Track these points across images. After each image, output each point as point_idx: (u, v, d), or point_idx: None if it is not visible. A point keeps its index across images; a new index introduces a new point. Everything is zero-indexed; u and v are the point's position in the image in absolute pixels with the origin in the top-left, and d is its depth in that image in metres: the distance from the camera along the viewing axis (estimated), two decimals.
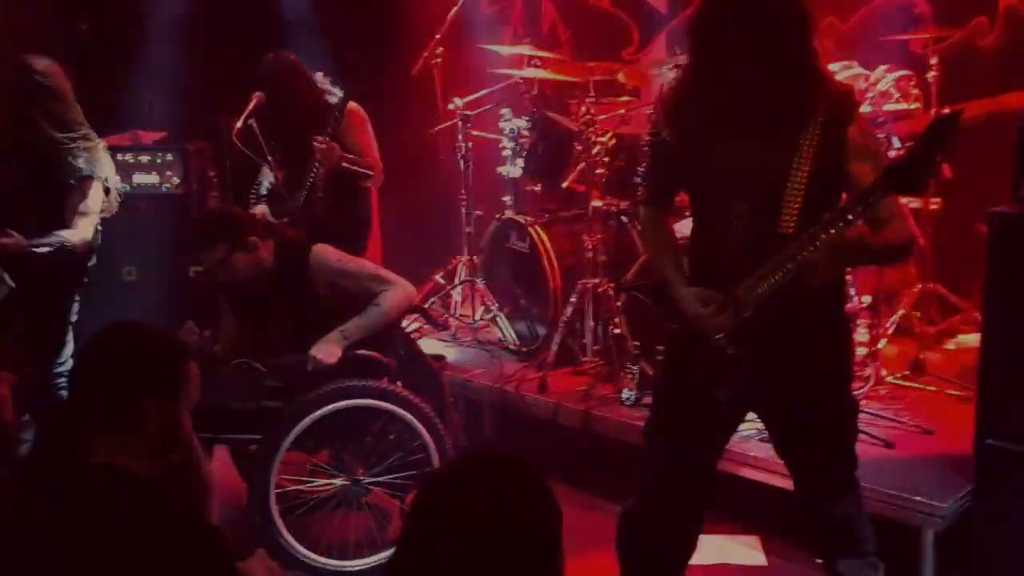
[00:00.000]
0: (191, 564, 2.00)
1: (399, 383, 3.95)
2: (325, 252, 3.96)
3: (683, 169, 2.83)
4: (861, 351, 4.48)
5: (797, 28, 2.58)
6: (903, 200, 2.76)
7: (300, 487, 3.84)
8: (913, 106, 4.72)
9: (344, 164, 4.61)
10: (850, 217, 2.46)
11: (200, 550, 2.03)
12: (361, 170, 4.69)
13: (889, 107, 4.63)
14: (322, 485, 3.85)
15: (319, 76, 4.89)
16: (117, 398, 2.15)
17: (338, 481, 3.86)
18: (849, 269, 2.82)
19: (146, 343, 2.23)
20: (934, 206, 4.86)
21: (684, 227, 3.18)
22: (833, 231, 2.47)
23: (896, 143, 4.49)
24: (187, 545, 2.01)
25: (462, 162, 5.71)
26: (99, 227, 4.37)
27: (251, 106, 4.72)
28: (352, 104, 4.71)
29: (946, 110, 4.51)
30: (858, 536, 2.96)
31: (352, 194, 4.84)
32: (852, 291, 4.54)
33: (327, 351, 3.80)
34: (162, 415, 2.17)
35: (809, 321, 2.71)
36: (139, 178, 5.77)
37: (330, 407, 3.77)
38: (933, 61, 4.79)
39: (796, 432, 2.90)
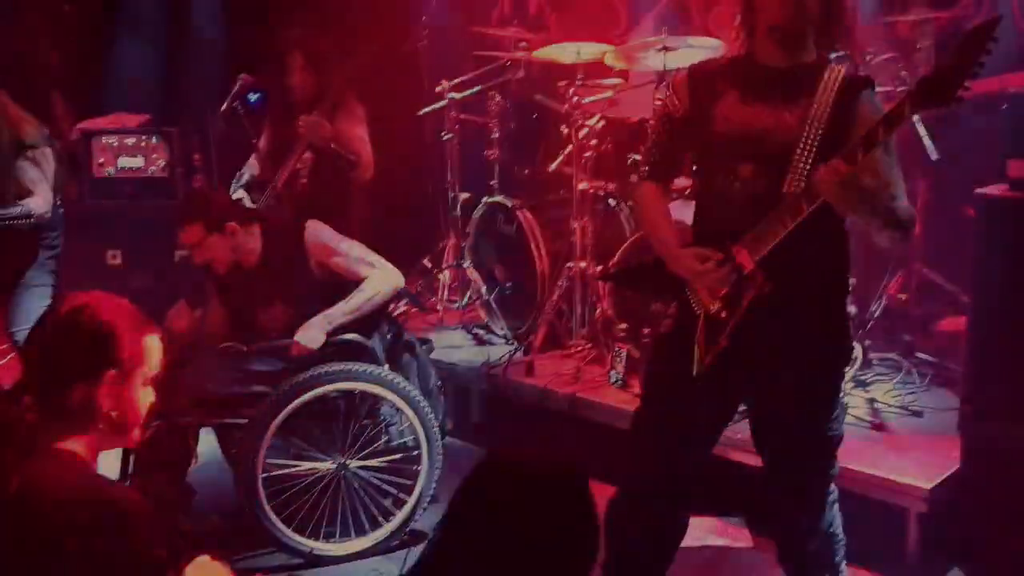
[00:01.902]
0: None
1: (386, 367, 3.94)
2: (319, 227, 3.96)
3: (690, 143, 2.88)
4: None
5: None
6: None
7: (287, 471, 3.82)
8: (899, 88, 4.71)
9: (332, 145, 4.57)
10: (873, 139, 2.44)
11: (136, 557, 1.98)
12: (347, 154, 4.64)
13: (877, 90, 4.61)
14: (309, 469, 3.83)
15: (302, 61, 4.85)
16: (49, 383, 2.08)
17: (325, 465, 3.85)
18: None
19: (82, 324, 2.10)
20: (923, 188, 4.86)
21: (677, 209, 3.19)
22: (859, 152, 2.46)
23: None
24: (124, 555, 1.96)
25: (449, 145, 5.69)
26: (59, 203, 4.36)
27: (235, 89, 4.69)
28: (352, 97, 4.68)
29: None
30: (822, 548, 2.95)
31: (334, 184, 4.80)
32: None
33: (311, 336, 3.78)
34: (106, 398, 2.09)
35: (807, 293, 2.71)
36: (124, 161, 5.74)
37: (317, 391, 3.76)
38: (921, 44, 4.78)
39: (773, 421, 2.88)
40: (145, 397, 2.19)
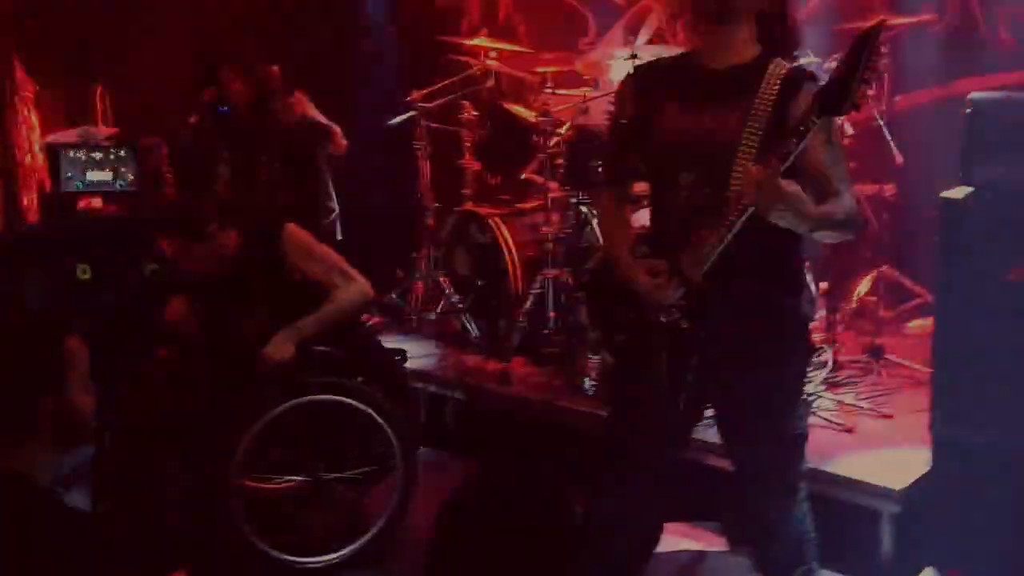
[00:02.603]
0: None
1: (359, 378, 3.94)
2: (297, 231, 3.95)
3: (640, 147, 2.86)
4: (818, 336, 4.53)
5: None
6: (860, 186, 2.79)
7: (261, 484, 3.81)
8: (869, 93, 4.76)
9: (309, 116, 4.61)
10: (787, 150, 2.45)
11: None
12: (322, 123, 4.69)
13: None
14: (283, 482, 3.82)
15: (275, 70, 4.86)
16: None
17: (299, 477, 3.83)
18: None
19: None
20: (888, 192, 4.92)
21: (642, 216, 3.20)
22: (775, 163, 2.46)
23: (849, 129, 4.53)
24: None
25: (420, 155, 5.69)
26: None
27: (204, 101, 4.68)
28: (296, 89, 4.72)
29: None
30: (793, 547, 2.97)
31: (315, 180, 4.83)
32: (809, 277, 4.59)
33: (280, 348, 3.78)
34: (45, 412, 2.06)
35: (761, 299, 2.72)
36: (92, 175, 5.70)
37: (290, 403, 3.75)
38: (884, 49, 4.83)
39: (739, 424, 2.90)
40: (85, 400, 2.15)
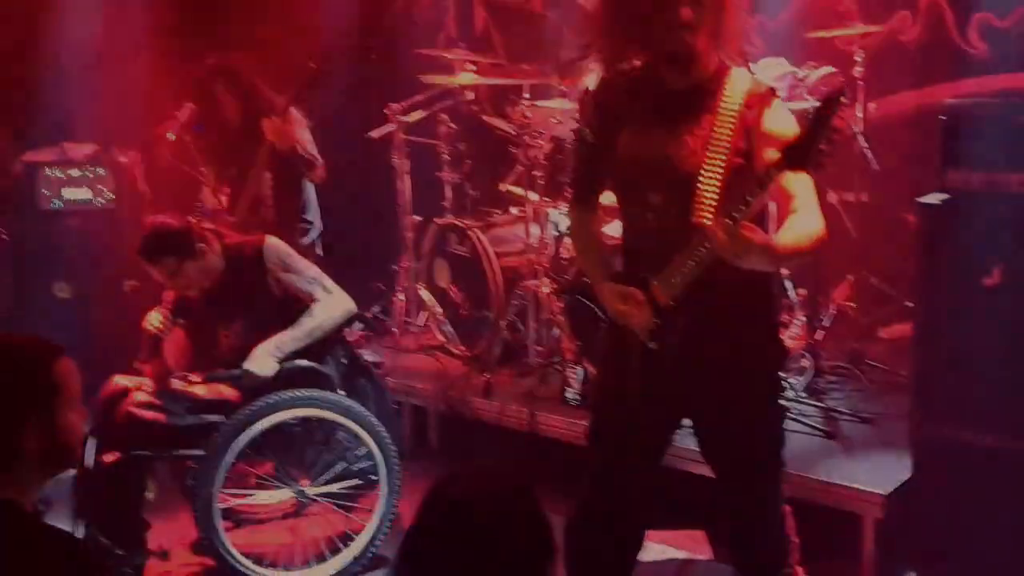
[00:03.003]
0: None
1: (342, 391, 3.93)
2: (278, 243, 3.97)
3: (603, 164, 2.86)
4: (798, 342, 4.56)
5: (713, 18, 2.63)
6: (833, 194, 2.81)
7: (244, 500, 3.79)
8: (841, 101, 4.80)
9: (296, 147, 4.60)
10: (749, 199, 2.48)
11: None
12: (310, 155, 4.69)
13: (815, 103, 4.70)
14: (267, 498, 3.81)
15: (257, 80, 4.85)
16: None
17: (283, 493, 3.82)
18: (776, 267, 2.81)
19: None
20: (864, 199, 4.96)
21: (615, 229, 3.21)
22: (736, 215, 2.48)
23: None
24: None
25: (400, 167, 5.70)
26: None
27: (183, 118, 4.66)
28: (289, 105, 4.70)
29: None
30: (774, 551, 2.98)
31: (296, 197, 4.83)
32: (788, 284, 4.62)
33: (261, 363, 3.77)
34: (32, 437, 2.04)
35: (732, 318, 2.73)
36: (69, 193, 5.68)
37: (272, 418, 3.74)
38: (859, 57, 4.89)
39: (716, 436, 2.91)
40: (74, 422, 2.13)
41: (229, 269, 3.92)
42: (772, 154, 2.53)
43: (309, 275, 3.94)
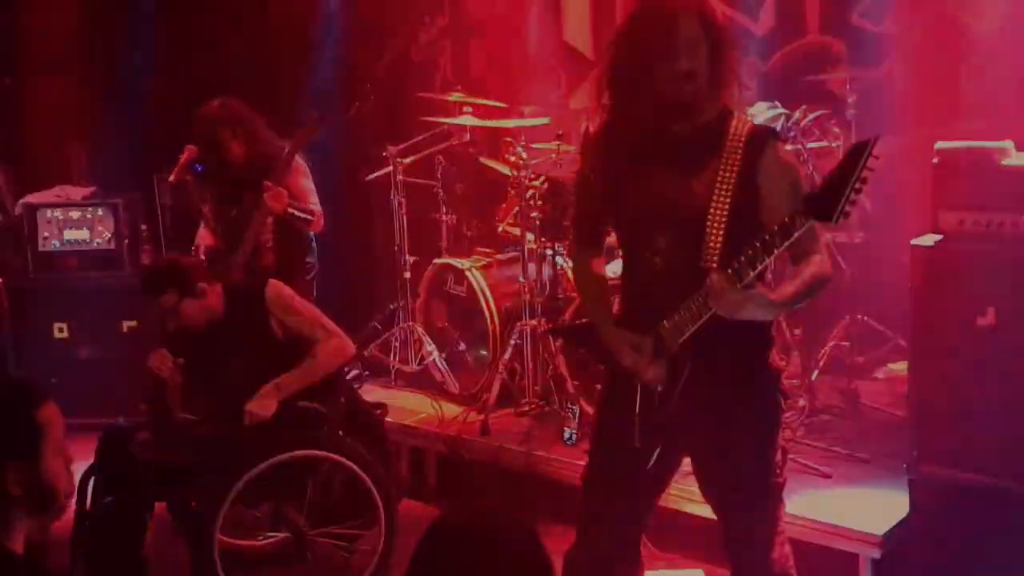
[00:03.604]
0: None
1: (340, 432, 3.94)
2: (280, 286, 3.98)
3: (607, 207, 2.88)
4: (794, 382, 4.58)
5: (712, 62, 2.66)
6: (826, 233, 2.83)
7: (244, 542, 3.79)
8: (835, 144, 4.87)
9: (290, 210, 4.62)
10: (775, 250, 2.50)
11: None
12: (304, 215, 4.71)
13: (811, 145, 4.78)
14: (266, 539, 3.80)
15: (261, 124, 4.89)
16: None
17: (282, 534, 3.82)
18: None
19: None
20: (859, 239, 5.00)
21: (617, 267, 3.23)
22: (758, 264, 2.50)
23: (818, 179, 4.62)
24: None
25: (397, 208, 5.74)
26: None
27: (183, 159, 4.70)
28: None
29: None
30: None
31: (297, 241, 4.86)
32: (783, 324, 4.65)
33: (262, 404, 3.79)
34: (14, 480, 2.05)
35: (732, 358, 2.74)
36: (69, 234, 5.72)
37: (272, 460, 3.75)
38: (851, 99, 4.95)
39: (716, 476, 2.92)
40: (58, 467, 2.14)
41: (231, 310, 3.94)
42: (778, 200, 2.56)
43: (310, 318, 3.96)
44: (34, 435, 2.09)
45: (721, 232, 2.63)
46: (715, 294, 2.54)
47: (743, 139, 2.68)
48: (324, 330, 3.93)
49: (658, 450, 2.84)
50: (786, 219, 2.48)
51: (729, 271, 2.54)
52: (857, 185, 2.37)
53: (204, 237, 4.88)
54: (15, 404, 2.11)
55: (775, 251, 2.49)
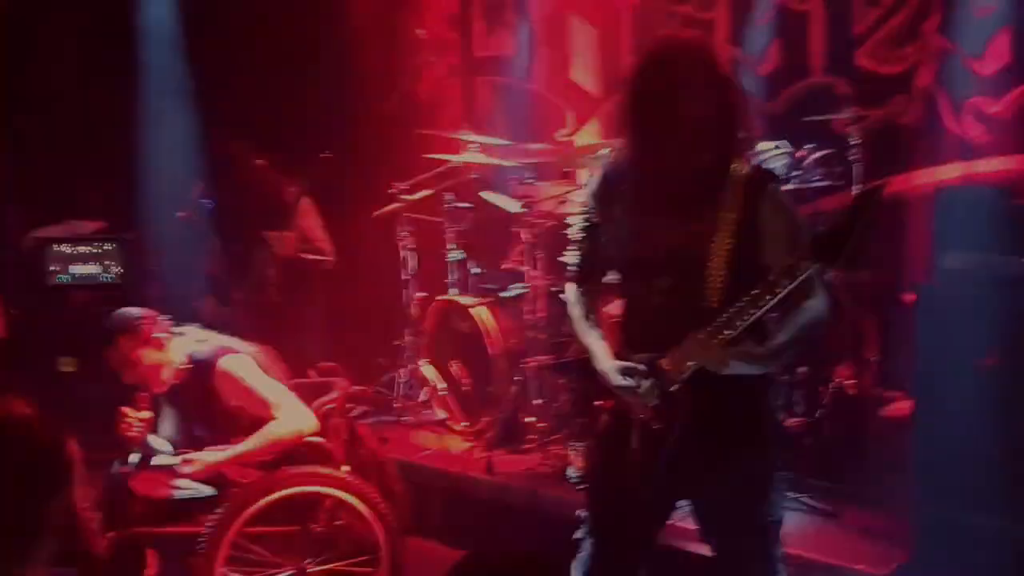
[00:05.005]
0: None
1: (344, 468, 3.94)
2: (231, 365, 3.88)
3: (609, 248, 2.89)
4: (799, 421, 4.58)
5: (717, 105, 2.69)
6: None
7: None
8: (839, 183, 4.89)
9: (301, 254, 4.66)
10: (778, 291, 2.51)
11: None
12: (315, 256, 4.74)
13: (815, 184, 4.80)
14: (269, 575, 3.80)
15: (261, 162, 4.95)
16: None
17: (285, 573, 3.81)
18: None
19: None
20: (863, 278, 5.01)
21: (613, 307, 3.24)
22: (762, 304, 2.52)
23: (826, 221, 4.63)
24: None
25: (404, 245, 5.78)
26: None
27: (193, 195, 4.75)
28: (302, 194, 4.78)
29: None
30: None
31: (301, 280, 4.89)
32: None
33: (195, 465, 3.78)
34: (55, 515, 2.07)
35: (732, 398, 2.73)
36: (77, 268, 5.75)
37: (275, 494, 3.75)
38: (855, 139, 4.98)
39: (715, 516, 2.91)
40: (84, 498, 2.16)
41: (191, 374, 3.93)
42: (781, 242, 2.59)
43: (268, 393, 3.88)
44: (67, 470, 2.10)
45: (723, 274, 2.65)
46: (696, 353, 2.58)
47: (743, 181, 2.71)
48: (281, 407, 3.84)
49: (656, 489, 2.84)
50: (791, 262, 2.50)
51: (711, 328, 2.57)
52: (864, 231, 2.38)
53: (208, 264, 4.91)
54: (49, 440, 2.12)
55: (780, 293, 2.50)
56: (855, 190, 4.92)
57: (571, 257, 3.02)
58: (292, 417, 3.86)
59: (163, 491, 3.80)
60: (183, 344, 3.96)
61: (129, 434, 3.89)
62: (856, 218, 2.40)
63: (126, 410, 3.90)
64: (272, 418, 3.82)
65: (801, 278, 2.49)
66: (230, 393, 3.86)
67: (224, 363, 3.87)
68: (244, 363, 3.90)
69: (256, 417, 3.84)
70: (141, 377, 3.92)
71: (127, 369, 3.90)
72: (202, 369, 3.90)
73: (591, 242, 2.97)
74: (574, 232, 2.99)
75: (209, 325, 4.20)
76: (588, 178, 3.03)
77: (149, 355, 3.89)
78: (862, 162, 4.98)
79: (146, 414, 3.91)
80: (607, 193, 2.89)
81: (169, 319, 4.04)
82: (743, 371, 2.64)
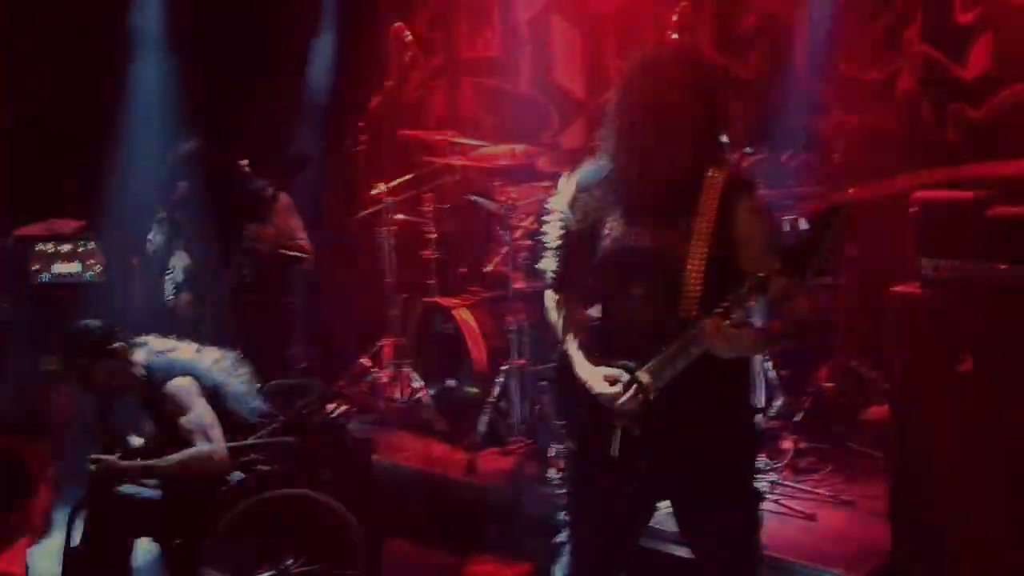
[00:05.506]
0: None
1: (325, 469, 3.94)
2: (175, 390, 3.89)
3: (585, 251, 2.90)
4: (779, 424, 4.61)
5: (700, 113, 2.72)
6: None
7: None
8: (819, 188, 4.92)
9: (280, 250, 4.65)
10: (749, 304, 2.58)
11: None
12: (295, 253, 4.74)
13: (796, 189, 4.83)
14: None
15: (243, 163, 4.94)
16: None
17: (265, 572, 3.81)
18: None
19: None
20: (844, 282, 5.04)
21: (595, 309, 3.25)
22: (734, 316, 2.57)
23: (804, 224, 4.66)
24: None
25: (386, 246, 5.78)
26: None
27: (176, 195, 4.74)
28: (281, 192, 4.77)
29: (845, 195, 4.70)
30: None
31: (277, 279, 4.87)
32: (769, 364, 4.68)
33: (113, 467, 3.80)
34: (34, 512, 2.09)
35: (710, 401, 2.76)
36: (59, 267, 5.73)
37: (256, 496, 3.74)
38: (837, 145, 5.01)
39: (694, 517, 2.93)
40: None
41: (146, 384, 3.94)
42: (755, 250, 2.64)
43: (196, 423, 3.86)
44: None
45: (700, 282, 2.67)
46: (710, 335, 2.60)
47: (719, 188, 2.73)
48: (205, 438, 3.84)
49: (635, 492, 2.85)
50: (760, 276, 2.57)
51: (717, 312, 2.60)
52: (827, 248, 2.49)
53: (181, 258, 4.89)
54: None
55: (752, 303, 2.59)
56: (822, 203, 4.96)
57: (548, 264, 3.02)
58: (214, 450, 3.82)
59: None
60: (141, 354, 3.97)
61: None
62: (820, 236, 2.51)
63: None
64: (193, 444, 3.81)
65: (771, 293, 2.58)
66: (172, 412, 3.87)
67: (170, 386, 3.88)
68: (187, 389, 3.90)
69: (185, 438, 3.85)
70: (102, 388, 3.94)
71: (86, 382, 3.91)
72: (156, 383, 3.91)
73: (567, 249, 2.97)
74: (550, 239, 3.00)
75: (185, 323, 4.20)
76: (563, 184, 3.01)
77: (107, 365, 3.89)
78: (843, 168, 5.02)
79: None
80: (581, 201, 2.89)
81: (125, 328, 4.05)
82: (750, 351, 2.75)
